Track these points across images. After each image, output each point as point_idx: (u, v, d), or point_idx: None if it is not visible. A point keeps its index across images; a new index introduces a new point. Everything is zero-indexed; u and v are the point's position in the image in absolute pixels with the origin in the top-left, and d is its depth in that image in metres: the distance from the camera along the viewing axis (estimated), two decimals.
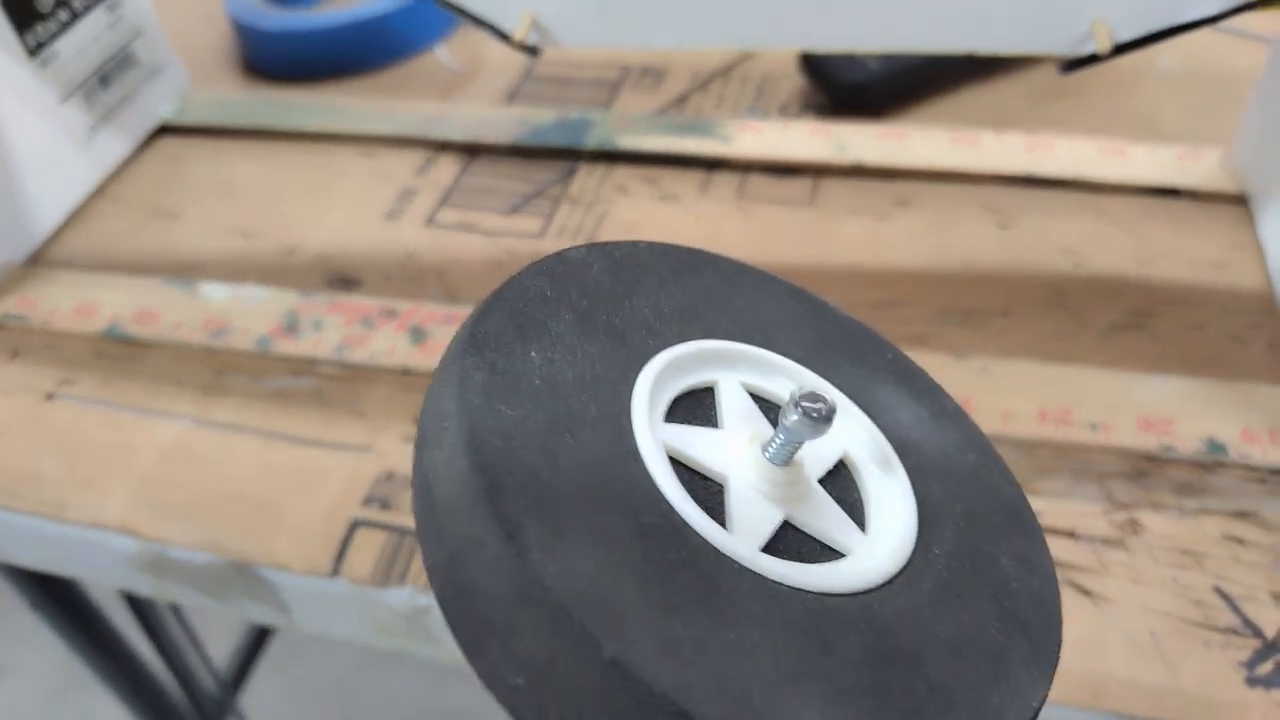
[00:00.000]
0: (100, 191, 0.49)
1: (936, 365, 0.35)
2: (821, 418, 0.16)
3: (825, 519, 0.18)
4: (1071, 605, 0.29)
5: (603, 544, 0.14)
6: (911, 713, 0.14)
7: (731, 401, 0.19)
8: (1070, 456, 0.32)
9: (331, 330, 0.39)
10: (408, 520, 0.33)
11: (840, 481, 0.19)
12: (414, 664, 1.10)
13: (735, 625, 0.14)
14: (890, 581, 0.17)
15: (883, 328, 0.36)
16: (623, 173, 0.46)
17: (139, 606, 0.66)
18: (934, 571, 0.17)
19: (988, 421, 0.33)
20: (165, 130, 0.52)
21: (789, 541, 0.17)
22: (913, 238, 0.41)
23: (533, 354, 0.17)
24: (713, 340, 0.20)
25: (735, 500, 0.17)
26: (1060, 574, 0.29)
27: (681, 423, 0.18)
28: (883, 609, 0.16)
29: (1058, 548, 0.30)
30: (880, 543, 0.18)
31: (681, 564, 0.15)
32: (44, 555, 0.37)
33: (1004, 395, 0.34)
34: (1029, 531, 0.18)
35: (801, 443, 0.17)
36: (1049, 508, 0.31)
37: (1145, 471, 0.32)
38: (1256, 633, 0.28)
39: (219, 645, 0.80)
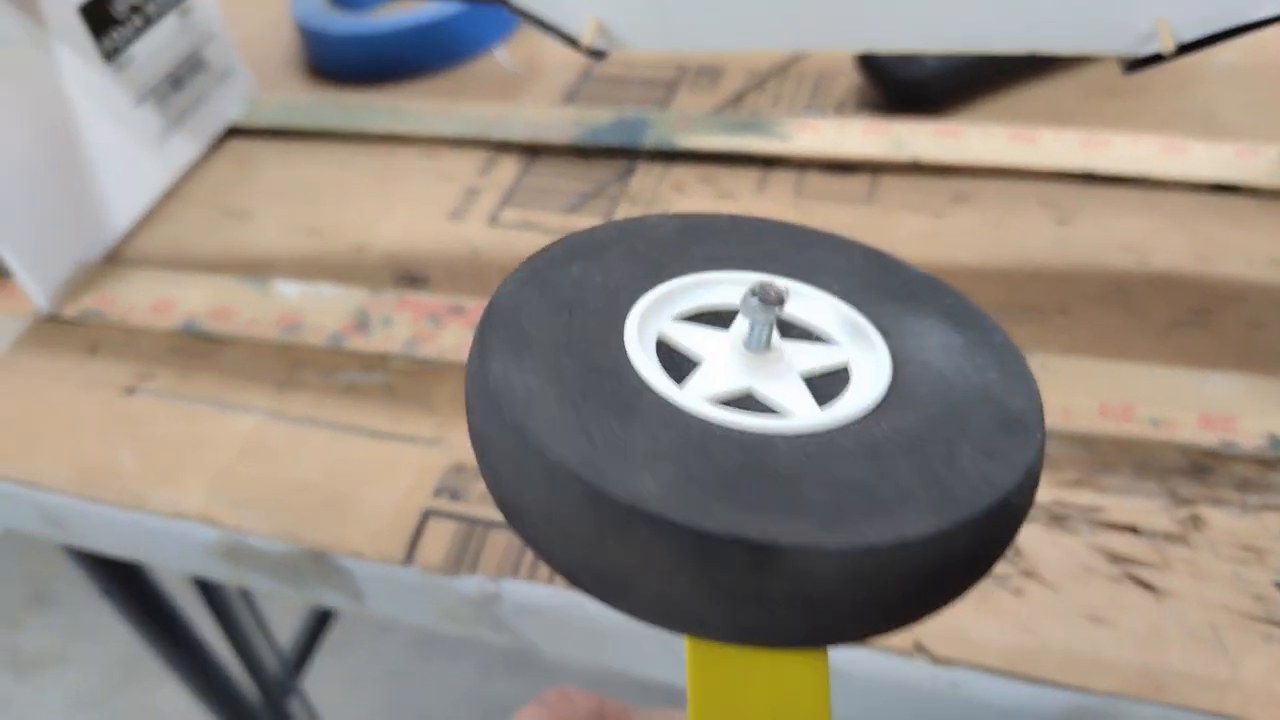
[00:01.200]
0: (173, 192, 0.51)
1: None
2: (771, 300, 0.18)
3: (786, 395, 0.19)
4: (1133, 600, 0.29)
5: (552, 369, 0.17)
6: (751, 508, 0.15)
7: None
8: (1132, 452, 0.33)
9: (401, 326, 0.40)
10: (478, 510, 0.34)
11: (835, 382, 0.20)
12: (462, 655, 1.12)
13: (630, 429, 0.16)
14: (812, 434, 0.17)
15: None
16: (680, 171, 0.47)
17: (209, 591, 0.68)
18: (867, 435, 0.17)
19: (1049, 417, 0.33)
20: (234, 132, 0.54)
21: (745, 405, 0.18)
22: (971, 234, 0.41)
23: (574, 268, 0.20)
24: (746, 270, 0.21)
25: (702, 370, 0.19)
26: (1121, 568, 0.30)
27: (692, 324, 0.20)
28: (784, 445, 0.17)
29: (1119, 542, 0.30)
30: (825, 413, 0.18)
31: (610, 389, 0.17)
32: (124, 543, 0.39)
33: (1065, 391, 0.34)
34: (1019, 431, 0.18)
35: (763, 324, 0.19)
36: (1110, 503, 0.31)
37: (1207, 467, 0.32)
38: None
39: (280, 630, 0.82)
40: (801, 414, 0.18)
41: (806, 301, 0.21)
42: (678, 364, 0.19)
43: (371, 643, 1.14)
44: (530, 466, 0.16)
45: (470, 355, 0.18)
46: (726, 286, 0.21)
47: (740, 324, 0.19)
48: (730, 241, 0.22)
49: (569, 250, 0.21)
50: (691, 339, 0.20)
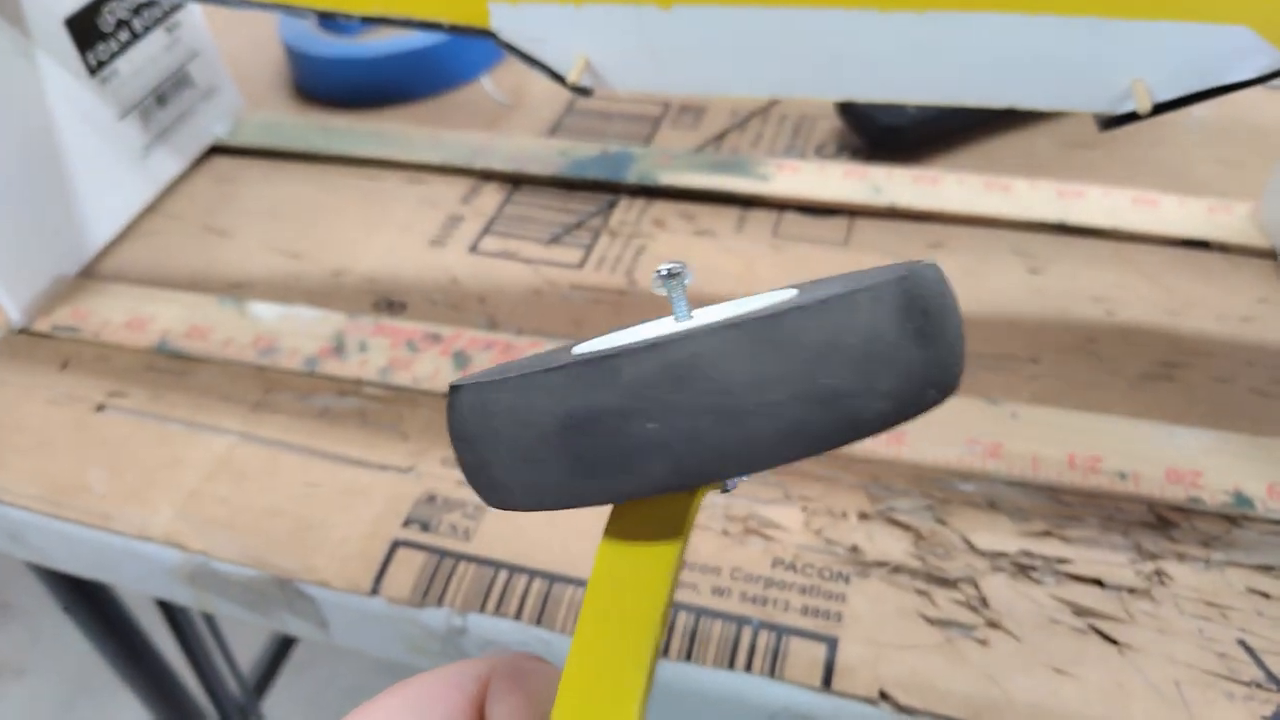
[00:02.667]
0: (153, 208, 0.50)
1: (968, 409, 0.36)
2: (667, 275, 0.19)
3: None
4: (1097, 653, 0.29)
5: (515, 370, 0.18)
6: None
7: None
8: (1099, 504, 0.33)
9: (377, 352, 0.40)
10: (447, 542, 0.34)
11: None
12: None
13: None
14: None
15: None
16: (661, 207, 0.47)
17: (171, 611, 0.67)
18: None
19: (1017, 465, 0.34)
20: (217, 150, 0.54)
21: None
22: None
23: None
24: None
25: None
26: (1086, 621, 0.30)
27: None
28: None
29: (1084, 595, 0.31)
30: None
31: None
32: (88, 562, 0.38)
33: (1034, 441, 0.34)
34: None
35: (671, 298, 0.19)
36: (1077, 555, 0.32)
37: (1172, 522, 0.33)
38: None
39: (241, 651, 0.81)
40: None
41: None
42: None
43: (332, 662, 1.12)
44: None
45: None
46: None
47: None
48: None
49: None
50: (635, 334, 0.20)
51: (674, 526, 0.17)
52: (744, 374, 0.15)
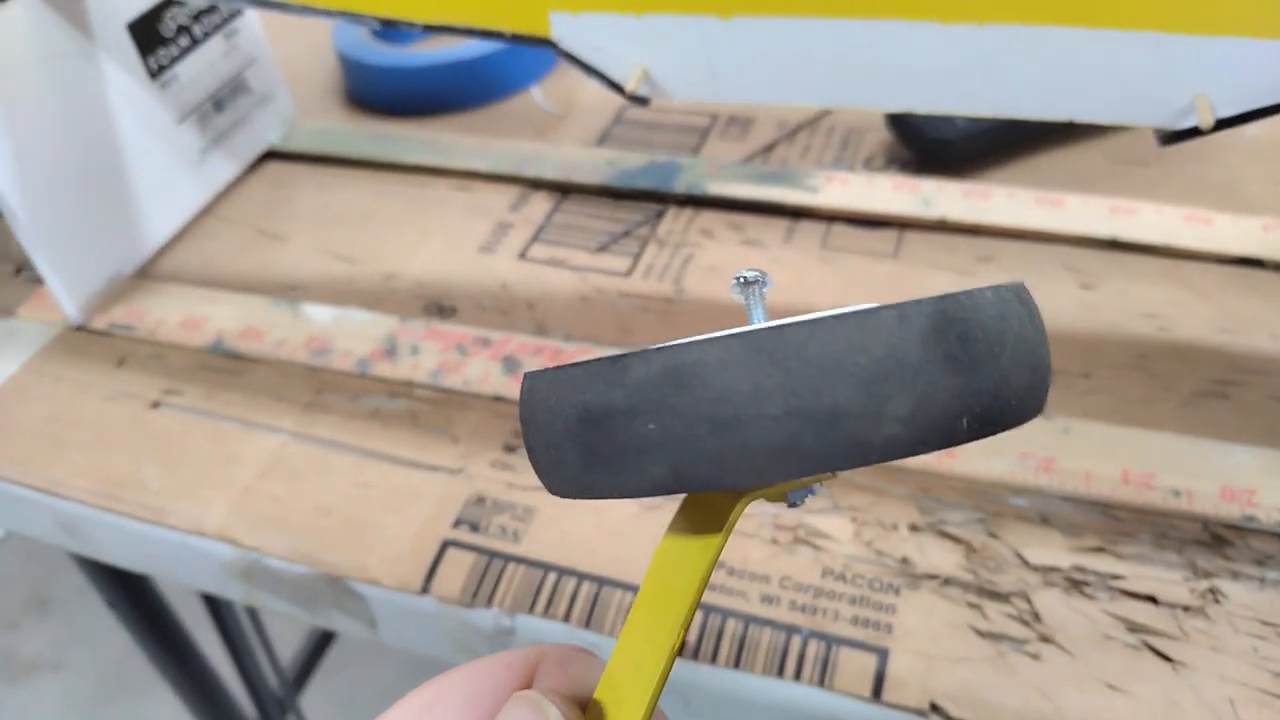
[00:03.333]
0: (208, 211, 0.51)
1: None
2: (745, 282, 0.18)
3: None
4: (1150, 670, 0.29)
5: None
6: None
7: None
8: (1152, 521, 0.33)
9: (428, 355, 0.40)
10: (496, 544, 0.34)
11: None
12: None
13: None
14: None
15: None
16: (709, 217, 0.48)
17: (215, 605, 0.68)
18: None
19: (1069, 481, 0.34)
20: (271, 155, 0.55)
21: None
22: None
23: None
24: None
25: None
26: (1140, 638, 0.30)
27: None
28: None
29: (1138, 611, 0.30)
30: None
31: None
32: (141, 557, 0.39)
33: (1086, 456, 0.34)
34: None
35: (748, 305, 0.19)
36: (1130, 571, 0.31)
37: (1227, 540, 0.32)
38: None
39: (281, 646, 0.82)
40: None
41: None
42: None
43: (367, 663, 1.13)
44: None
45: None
46: None
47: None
48: None
49: None
50: None
51: (715, 525, 0.18)
52: (742, 384, 0.15)
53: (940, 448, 0.15)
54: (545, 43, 0.34)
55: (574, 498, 0.18)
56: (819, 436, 0.15)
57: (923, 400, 0.15)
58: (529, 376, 0.18)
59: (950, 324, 0.15)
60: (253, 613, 0.73)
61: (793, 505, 0.19)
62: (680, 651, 0.31)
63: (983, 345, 0.15)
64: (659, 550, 0.19)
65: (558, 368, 0.17)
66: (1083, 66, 0.31)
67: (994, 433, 0.16)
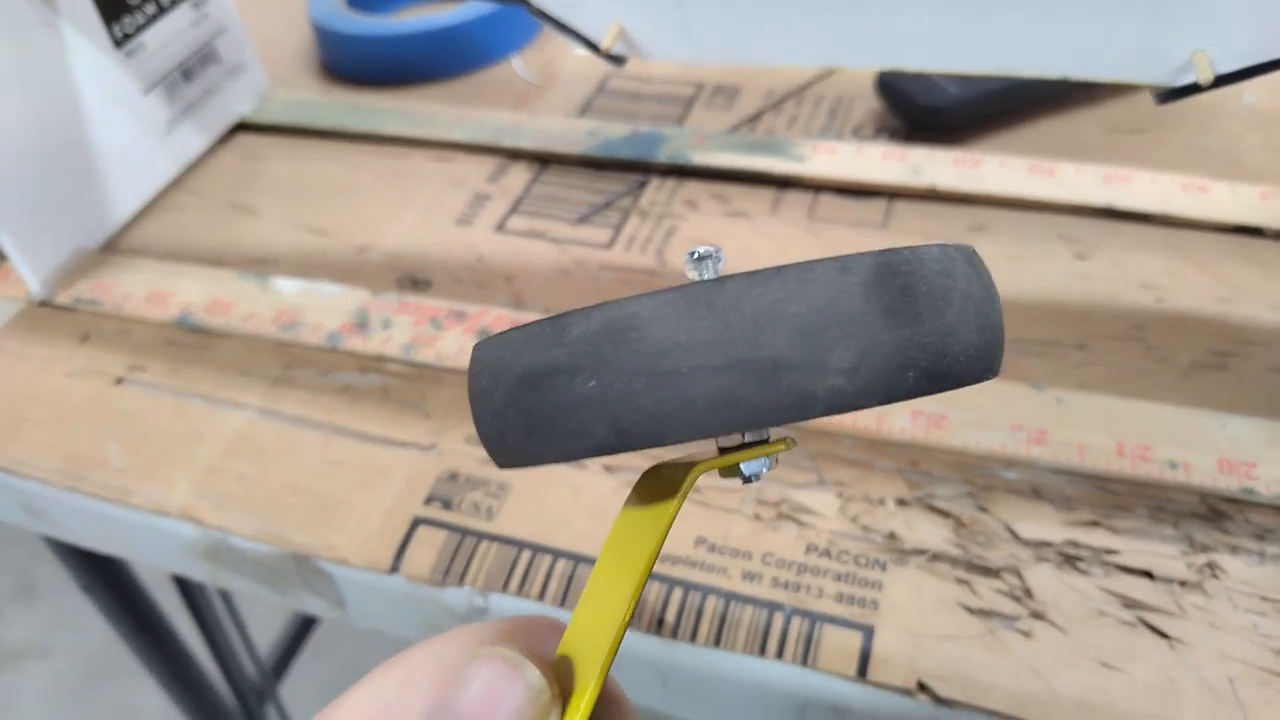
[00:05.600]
0: (177, 183, 0.50)
1: (1011, 395, 0.34)
2: (698, 258, 0.18)
3: None
4: (1147, 647, 0.28)
5: None
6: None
7: None
8: (1148, 495, 0.32)
9: (400, 329, 0.39)
10: (469, 521, 0.33)
11: None
12: None
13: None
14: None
15: None
16: (693, 188, 0.46)
17: (189, 592, 0.67)
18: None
19: (1062, 453, 0.32)
20: (243, 127, 0.53)
21: None
22: (988, 265, 0.40)
23: None
24: None
25: None
26: (1136, 615, 0.29)
27: None
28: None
29: (1134, 587, 0.29)
30: None
31: None
32: (105, 537, 0.38)
33: (1080, 428, 0.33)
34: None
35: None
36: (1125, 546, 0.30)
37: (1225, 514, 0.31)
38: None
39: (260, 634, 0.80)
40: None
41: None
42: None
43: (351, 646, 1.12)
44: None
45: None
46: None
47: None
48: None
49: None
50: None
51: (670, 491, 0.18)
52: (679, 337, 0.15)
53: (887, 402, 0.15)
54: (518, 0, 0.33)
55: (519, 466, 0.17)
56: (760, 388, 0.14)
57: (866, 352, 0.14)
58: (476, 347, 0.17)
59: (893, 276, 0.15)
60: (226, 599, 0.72)
61: (747, 481, 0.18)
62: (655, 628, 0.30)
63: (926, 299, 0.15)
64: (615, 522, 0.19)
65: (500, 332, 0.16)
66: (1079, 20, 0.30)
67: (943, 389, 0.15)
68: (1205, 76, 0.29)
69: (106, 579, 0.60)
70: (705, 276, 0.18)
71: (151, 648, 0.66)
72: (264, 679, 0.76)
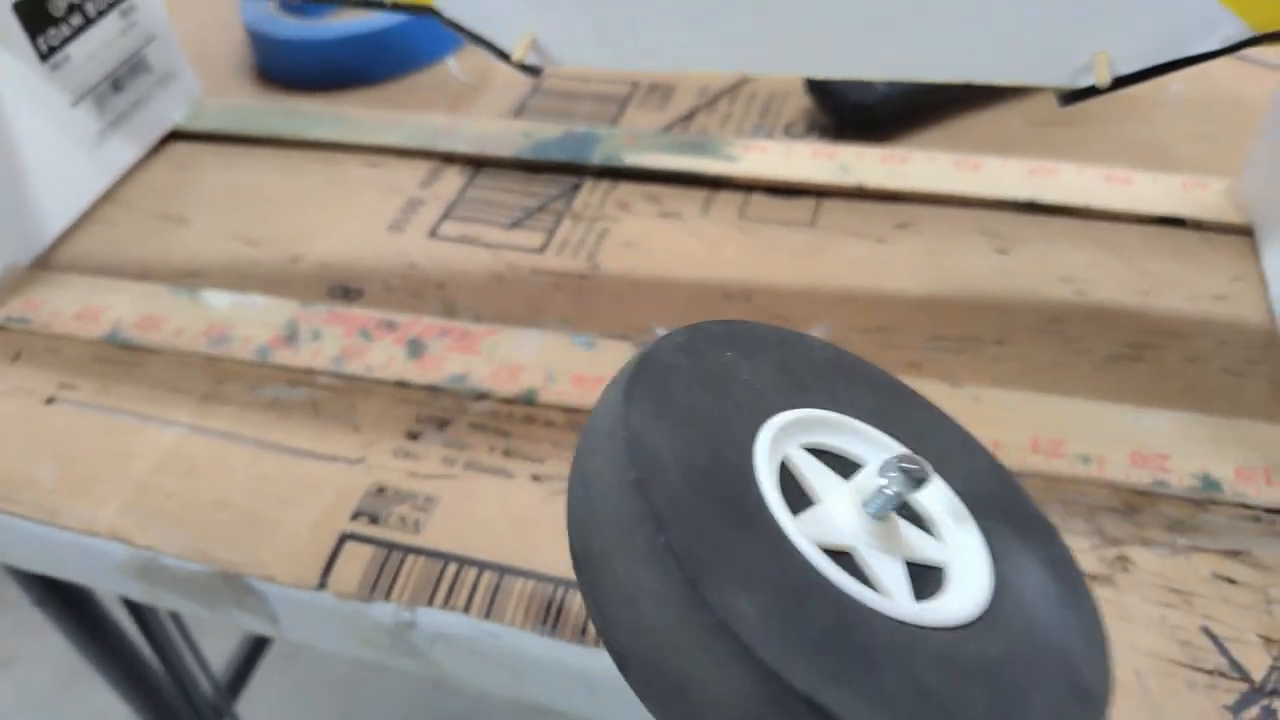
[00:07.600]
0: (109, 196, 0.49)
1: (930, 392, 0.35)
2: (914, 478, 0.19)
3: (887, 572, 0.19)
4: None
5: (685, 442, 0.17)
6: (833, 678, 0.15)
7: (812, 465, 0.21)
8: (1061, 489, 0.32)
9: (330, 341, 0.39)
10: (396, 535, 0.33)
11: (930, 578, 0.20)
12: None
13: (740, 539, 0.16)
14: (906, 625, 0.18)
15: (877, 354, 0.36)
16: (626, 189, 0.46)
17: (138, 609, 0.66)
18: (955, 649, 0.18)
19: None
20: (176, 136, 0.53)
21: (843, 563, 0.18)
22: (911, 262, 0.41)
23: (728, 354, 0.21)
24: (882, 432, 0.22)
25: (817, 511, 0.19)
26: None
27: (817, 459, 0.21)
28: (879, 625, 0.17)
29: None
30: (921, 607, 0.19)
31: (730, 490, 0.17)
32: (37, 558, 0.38)
33: (996, 424, 0.34)
34: (1089, 706, 0.18)
35: (893, 497, 0.19)
36: None
37: (1137, 507, 0.32)
38: (1244, 676, 0.28)
39: (220, 647, 0.80)
40: (899, 598, 0.18)
41: (930, 487, 0.21)
42: (793, 493, 0.19)
43: (309, 660, 1.12)
44: (632, 519, 0.16)
45: (610, 394, 0.18)
46: (861, 439, 0.22)
47: (867, 484, 0.19)
48: (879, 396, 0.23)
49: (729, 334, 0.21)
50: (814, 474, 0.20)
51: None
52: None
53: None
54: (428, 11, 0.33)
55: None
56: None
57: None
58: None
59: None
60: (176, 614, 0.71)
61: None
62: (580, 637, 0.30)
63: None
64: None
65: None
66: (980, 25, 0.30)
67: None
68: (1103, 78, 0.29)
69: (60, 593, 0.60)
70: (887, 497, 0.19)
71: (108, 661, 0.65)
72: (219, 695, 0.76)
